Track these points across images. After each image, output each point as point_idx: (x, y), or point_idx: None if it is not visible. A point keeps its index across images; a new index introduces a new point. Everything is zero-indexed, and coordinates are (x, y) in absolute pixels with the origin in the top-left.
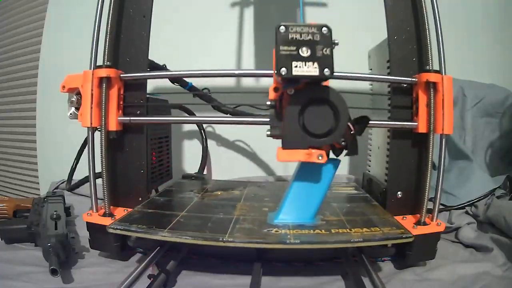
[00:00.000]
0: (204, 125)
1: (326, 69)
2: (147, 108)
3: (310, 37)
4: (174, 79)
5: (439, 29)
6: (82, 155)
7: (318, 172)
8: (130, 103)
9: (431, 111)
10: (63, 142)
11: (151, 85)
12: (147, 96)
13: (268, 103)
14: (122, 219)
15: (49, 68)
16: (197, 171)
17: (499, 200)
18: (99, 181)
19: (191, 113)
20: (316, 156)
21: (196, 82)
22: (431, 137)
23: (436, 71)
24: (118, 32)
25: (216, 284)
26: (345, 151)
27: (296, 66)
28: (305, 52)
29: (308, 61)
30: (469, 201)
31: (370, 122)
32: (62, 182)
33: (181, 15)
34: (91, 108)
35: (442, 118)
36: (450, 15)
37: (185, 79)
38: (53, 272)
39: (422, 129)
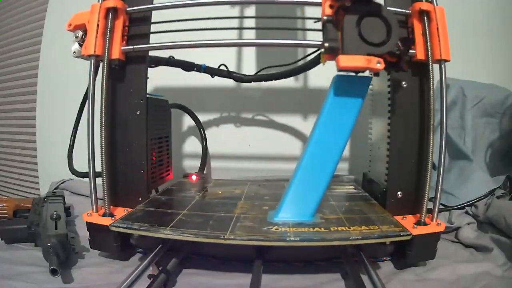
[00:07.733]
0: (205, 126)
1: None
2: (147, 109)
3: None
4: (188, 67)
5: None
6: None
7: (351, 95)
8: (134, 34)
9: (427, 39)
10: (63, 142)
11: (151, 85)
12: (147, 96)
13: (325, 18)
14: (124, 217)
15: (49, 69)
16: (197, 170)
17: (499, 200)
18: (99, 180)
19: (191, 113)
20: (375, 62)
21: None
22: (430, 65)
23: (428, 1)
24: None
25: (216, 284)
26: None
27: None
28: None
29: None
30: (469, 201)
31: None
32: (62, 182)
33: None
34: (96, 38)
35: (438, 45)
36: (450, 15)
37: (198, 63)
38: (53, 272)
39: (420, 55)
